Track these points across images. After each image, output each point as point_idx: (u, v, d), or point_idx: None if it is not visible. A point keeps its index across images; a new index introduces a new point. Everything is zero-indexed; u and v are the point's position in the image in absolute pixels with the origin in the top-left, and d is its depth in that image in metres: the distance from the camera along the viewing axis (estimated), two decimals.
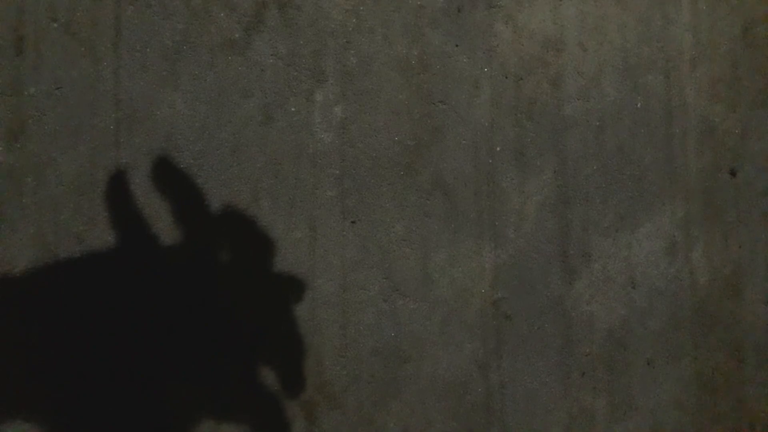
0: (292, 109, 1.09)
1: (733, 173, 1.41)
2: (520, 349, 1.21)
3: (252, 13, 1.08)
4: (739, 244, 1.41)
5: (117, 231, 1.00)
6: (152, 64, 1.03)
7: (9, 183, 0.96)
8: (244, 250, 1.06)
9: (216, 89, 1.06)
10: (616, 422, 1.28)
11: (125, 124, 1.01)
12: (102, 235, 0.99)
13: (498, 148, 1.22)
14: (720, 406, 1.38)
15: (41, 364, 0.95)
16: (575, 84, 1.27)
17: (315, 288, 1.09)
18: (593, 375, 1.26)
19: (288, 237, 1.08)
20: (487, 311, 1.19)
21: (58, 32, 0.99)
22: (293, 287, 1.09)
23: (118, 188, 1.01)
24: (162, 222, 1.02)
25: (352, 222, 1.12)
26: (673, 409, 1.34)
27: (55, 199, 0.98)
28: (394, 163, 1.15)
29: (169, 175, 1.03)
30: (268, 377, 1.06)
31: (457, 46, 1.20)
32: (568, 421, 1.24)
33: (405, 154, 1.16)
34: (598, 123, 1.29)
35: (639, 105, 1.33)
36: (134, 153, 1.02)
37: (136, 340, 0.99)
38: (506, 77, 1.23)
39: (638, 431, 1.30)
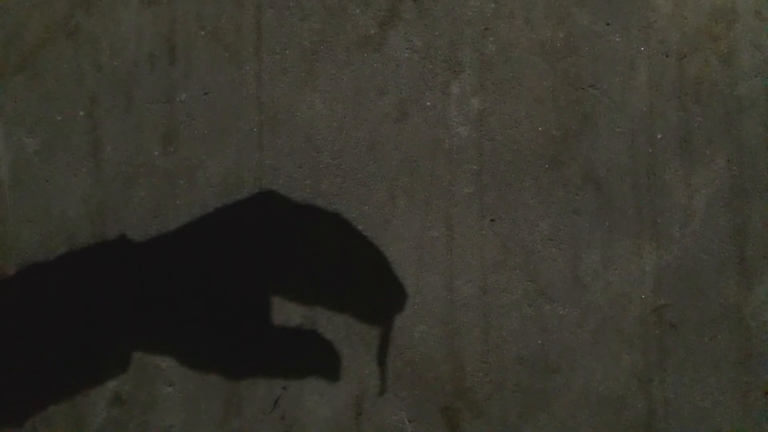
0: (428, 104, 1.06)
1: None
2: (687, 363, 1.09)
3: (387, 7, 1.06)
4: None
5: (261, 230, 1.02)
6: (291, 65, 1.05)
7: (164, 185, 1.03)
8: (381, 250, 1.04)
9: (352, 88, 1.05)
10: None
11: (268, 126, 1.04)
12: (248, 233, 1.03)
13: (659, 136, 1.10)
14: None
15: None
16: (751, 59, 1.13)
17: (453, 289, 1.05)
18: None
19: (424, 236, 1.05)
20: (648, 319, 1.08)
21: (206, 39, 1.04)
22: (430, 288, 1.05)
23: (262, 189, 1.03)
24: (302, 222, 1.03)
25: (492, 220, 1.06)
26: None
27: (204, 200, 1.03)
28: (538, 156, 1.07)
29: (309, 176, 1.04)
30: (408, 379, 1.03)
31: (608, 24, 1.10)
32: None
33: (550, 145, 1.08)
34: None
35: None
36: (277, 155, 1.04)
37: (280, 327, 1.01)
38: (667, 56, 1.11)
39: None
